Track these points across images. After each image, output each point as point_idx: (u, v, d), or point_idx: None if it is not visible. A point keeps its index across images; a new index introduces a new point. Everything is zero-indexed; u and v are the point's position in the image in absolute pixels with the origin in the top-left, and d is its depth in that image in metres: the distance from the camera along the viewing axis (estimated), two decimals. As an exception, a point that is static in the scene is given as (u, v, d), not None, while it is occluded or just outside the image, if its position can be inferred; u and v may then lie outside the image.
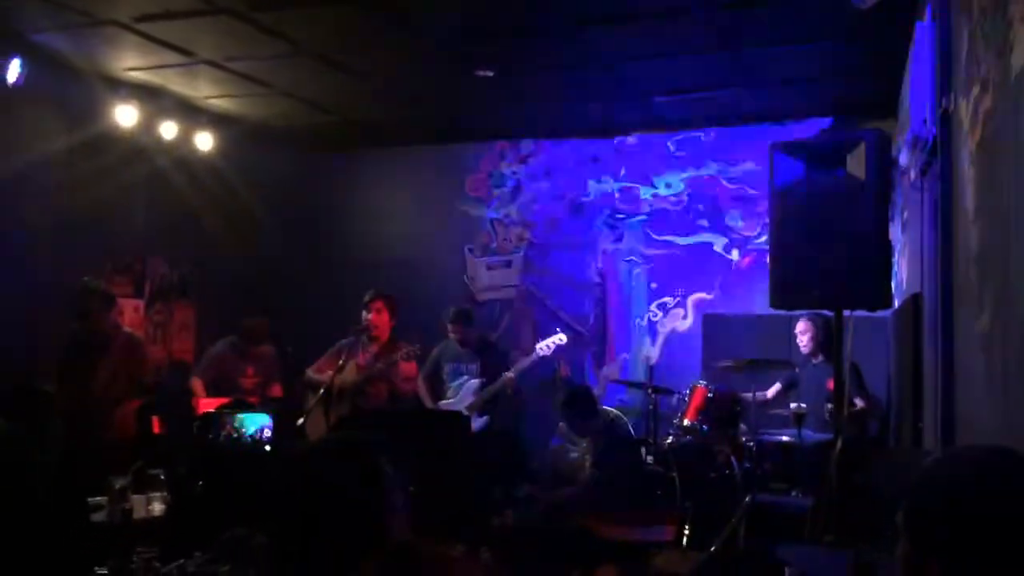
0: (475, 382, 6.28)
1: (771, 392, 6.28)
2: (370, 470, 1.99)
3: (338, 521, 1.91)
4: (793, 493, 5.46)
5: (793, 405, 5.79)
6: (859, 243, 3.94)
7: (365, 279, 6.69)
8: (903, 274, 5.55)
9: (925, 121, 3.79)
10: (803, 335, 6.16)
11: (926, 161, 3.91)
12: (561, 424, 6.82)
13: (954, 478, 1.36)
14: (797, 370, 6.24)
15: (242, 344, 6.40)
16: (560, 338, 6.41)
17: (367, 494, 1.94)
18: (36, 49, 5.76)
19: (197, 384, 6.22)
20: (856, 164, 4.04)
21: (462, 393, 6.30)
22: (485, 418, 6.20)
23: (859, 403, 5.64)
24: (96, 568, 2.77)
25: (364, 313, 6.01)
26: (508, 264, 8.12)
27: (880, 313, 4.45)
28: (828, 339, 5.98)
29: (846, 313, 4.21)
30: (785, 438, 5.77)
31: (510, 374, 6.23)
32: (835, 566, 2.87)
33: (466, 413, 6.04)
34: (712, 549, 4.22)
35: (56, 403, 3.63)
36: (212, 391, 6.13)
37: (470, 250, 8.23)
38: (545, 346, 6.36)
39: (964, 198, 3.06)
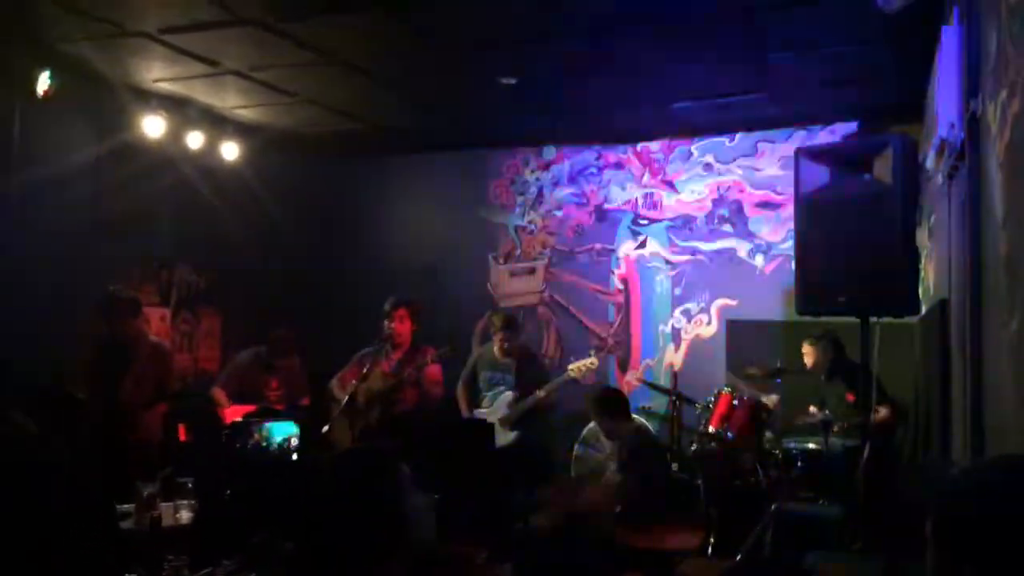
0: (509, 394, 6.25)
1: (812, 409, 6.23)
2: (392, 479, 1.99)
3: (361, 528, 1.92)
4: (820, 501, 5.41)
5: (820, 413, 5.74)
6: (885, 248, 3.91)
7: (389, 286, 6.72)
8: (930, 280, 5.49)
9: (952, 125, 3.75)
10: (806, 357, 6.14)
11: (953, 165, 3.87)
12: (585, 430, 6.82)
13: (986, 485, 1.34)
14: (822, 378, 6.19)
15: (268, 356, 6.41)
16: (592, 362, 6.32)
17: (388, 502, 1.95)
18: (66, 60, 5.85)
19: (219, 394, 6.24)
20: (882, 169, 4.01)
21: (496, 404, 6.28)
22: (516, 433, 6.17)
23: (883, 411, 5.57)
24: (125, 575, 2.80)
25: (386, 322, 6.01)
26: (531, 271, 8.12)
27: (906, 319, 4.41)
28: (837, 356, 5.94)
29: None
30: (812, 446, 5.72)
31: (541, 393, 6.18)
32: (866, 575, 2.85)
33: (498, 426, 6.04)
34: (738, 557, 4.20)
35: (86, 409, 3.66)
36: (236, 399, 6.16)
37: (493, 257, 8.25)
38: (576, 369, 6.27)
39: (992, 202, 3.02)
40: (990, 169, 3.08)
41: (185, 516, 4.09)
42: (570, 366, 6.30)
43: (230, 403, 6.10)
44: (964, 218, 3.53)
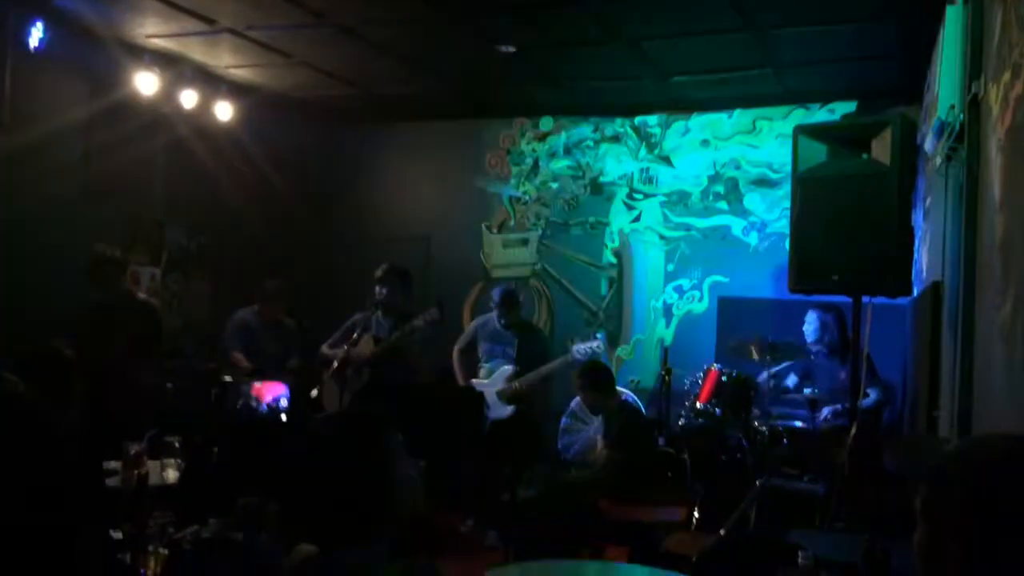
0: (509, 369, 6.23)
1: (789, 383, 6.25)
2: (379, 443, 1.99)
3: (348, 493, 1.92)
4: (805, 478, 5.44)
5: (807, 391, 5.77)
6: (881, 229, 3.92)
7: (382, 252, 6.69)
8: (924, 261, 5.50)
9: (952, 107, 3.73)
10: (807, 326, 6.14)
11: (952, 147, 3.86)
12: (572, 403, 6.83)
13: (976, 463, 1.34)
14: (812, 357, 6.20)
15: (263, 312, 6.39)
16: (598, 346, 6.30)
17: (375, 466, 1.95)
18: (59, 14, 5.77)
19: (239, 358, 6.21)
20: (880, 149, 4.01)
21: (494, 377, 6.26)
22: (512, 407, 6.17)
23: (872, 394, 5.59)
24: (111, 532, 2.80)
25: (377, 287, 6.00)
26: (525, 242, 8.10)
27: (899, 300, 4.42)
28: (837, 332, 5.94)
29: (865, 299, 4.19)
30: (798, 423, 5.75)
31: (535, 383, 6.17)
32: (849, 550, 2.87)
33: (496, 398, 6.04)
34: (722, 532, 4.23)
35: (74, 367, 3.65)
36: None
37: (487, 226, 8.22)
38: (580, 350, 6.22)
39: (990, 186, 3.02)
40: (989, 152, 3.08)
41: (172, 475, 4.10)
42: (575, 347, 6.27)
43: (250, 364, 6.10)
44: (960, 200, 3.52)
